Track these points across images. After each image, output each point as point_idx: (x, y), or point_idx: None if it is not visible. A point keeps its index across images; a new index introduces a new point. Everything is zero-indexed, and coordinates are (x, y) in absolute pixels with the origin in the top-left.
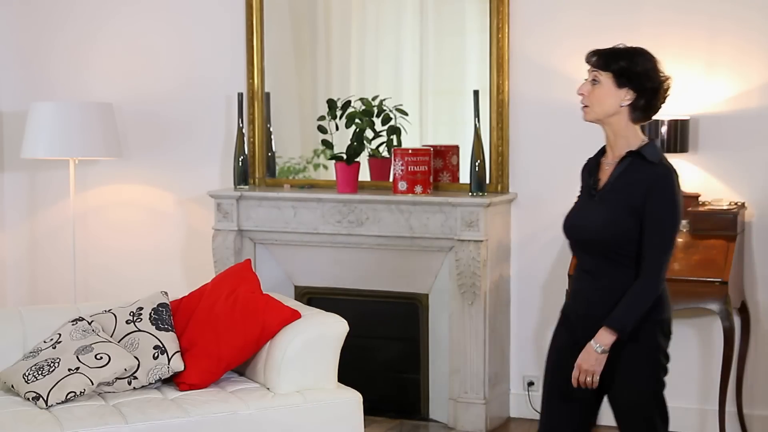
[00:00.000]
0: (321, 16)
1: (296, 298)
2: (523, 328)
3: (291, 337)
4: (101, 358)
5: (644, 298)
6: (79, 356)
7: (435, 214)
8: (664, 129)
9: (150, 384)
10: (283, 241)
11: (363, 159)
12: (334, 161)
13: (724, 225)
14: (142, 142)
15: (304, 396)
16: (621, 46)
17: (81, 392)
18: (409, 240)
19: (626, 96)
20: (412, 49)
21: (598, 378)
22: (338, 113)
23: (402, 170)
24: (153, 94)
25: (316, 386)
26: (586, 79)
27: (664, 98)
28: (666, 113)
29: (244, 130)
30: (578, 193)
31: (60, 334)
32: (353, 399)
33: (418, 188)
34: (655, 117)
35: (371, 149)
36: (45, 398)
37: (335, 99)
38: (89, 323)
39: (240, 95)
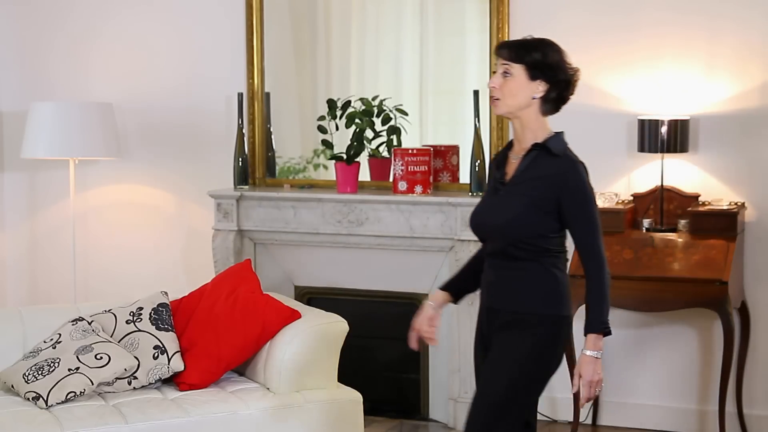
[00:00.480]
0: (321, 16)
1: (296, 298)
2: None
3: (291, 337)
4: (101, 358)
5: (605, 284)
6: (79, 356)
7: (435, 214)
8: (664, 129)
9: (150, 384)
10: (283, 241)
11: (363, 159)
12: (334, 161)
13: (724, 225)
14: (142, 142)
15: (304, 396)
16: (530, 37)
17: (81, 392)
18: (409, 240)
19: (538, 88)
20: (412, 49)
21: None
22: (338, 113)
23: (402, 170)
24: (153, 94)
25: (316, 386)
26: (494, 72)
27: (573, 90)
28: (666, 113)
29: (244, 130)
30: (486, 190)
31: (60, 334)
32: (353, 399)
33: (418, 188)
34: (655, 117)
35: (371, 149)
36: (45, 398)
37: (335, 99)
38: (89, 323)
39: (240, 95)
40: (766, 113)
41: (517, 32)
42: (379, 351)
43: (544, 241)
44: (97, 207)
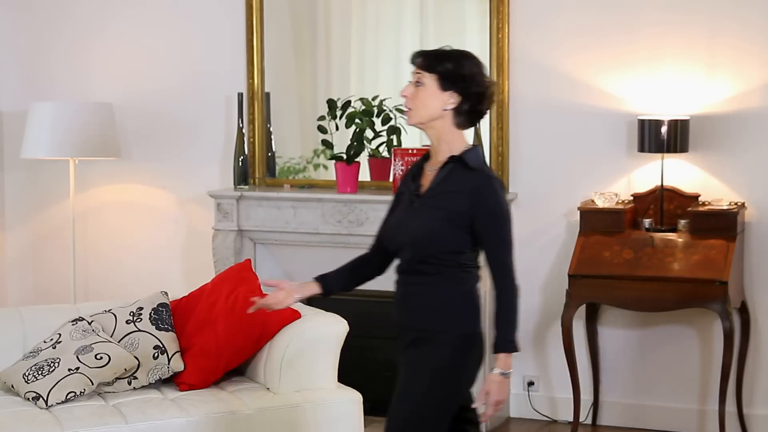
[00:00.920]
0: (321, 16)
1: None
2: (523, 328)
3: (291, 337)
4: (101, 358)
5: (513, 301)
6: (79, 356)
7: None
8: (664, 129)
9: (150, 384)
10: (283, 241)
11: (363, 159)
12: (334, 161)
13: (724, 225)
14: (142, 142)
15: (304, 396)
16: (447, 47)
17: (81, 392)
18: None
19: (450, 99)
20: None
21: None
22: (338, 113)
23: (402, 170)
24: (153, 94)
25: (316, 386)
26: (410, 81)
27: (490, 104)
28: (666, 113)
29: (244, 130)
30: (393, 200)
31: (60, 334)
32: (353, 399)
33: None
34: (655, 117)
35: (371, 149)
36: (45, 398)
37: (335, 99)
38: (89, 323)
39: (240, 95)
40: (766, 113)
41: (517, 32)
42: (379, 351)
43: (457, 256)
44: (97, 207)
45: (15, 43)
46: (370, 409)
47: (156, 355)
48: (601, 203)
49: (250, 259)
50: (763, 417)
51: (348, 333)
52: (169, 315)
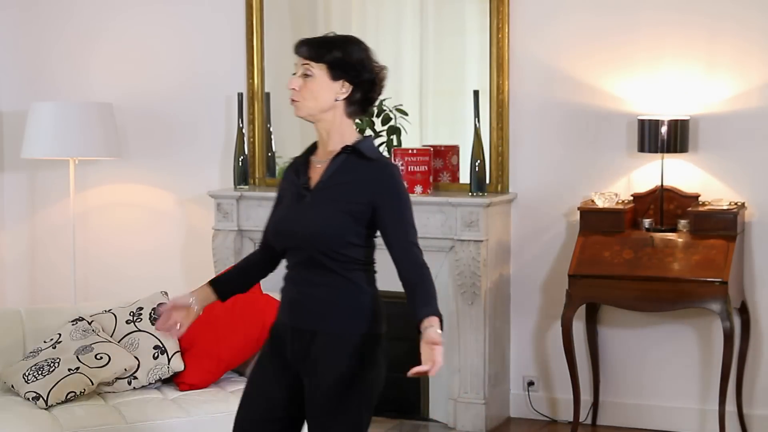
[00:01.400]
0: (321, 16)
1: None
2: (523, 328)
3: None
4: (101, 358)
5: (431, 280)
6: (79, 356)
7: (435, 214)
8: (664, 129)
9: (150, 384)
10: None
11: None
12: None
13: (724, 225)
14: (142, 142)
15: None
16: (332, 34)
17: (81, 392)
18: None
19: (342, 89)
20: (412, 49)
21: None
22: None
23: (402, 170)
24: (153, 94)
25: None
26: (294, 73)
27: (381, 90)
28: (666, 113)
29: (244, 130)
30: (277, 197)
31: (60, 334)
32: None
33: (418, 188)
34: (655, 117)
35: None
36: (45, 398)
37: None
38: (89, 323)
39: (240, 95)
40: (766, 113)
41: (517, 32)
42: None
43: (355, 252)
44: (97, 207)
45: (15, 43)
46: None
47: (156, 355)
48: (601, 203)
49: None
50: (763, 417)
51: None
52: None
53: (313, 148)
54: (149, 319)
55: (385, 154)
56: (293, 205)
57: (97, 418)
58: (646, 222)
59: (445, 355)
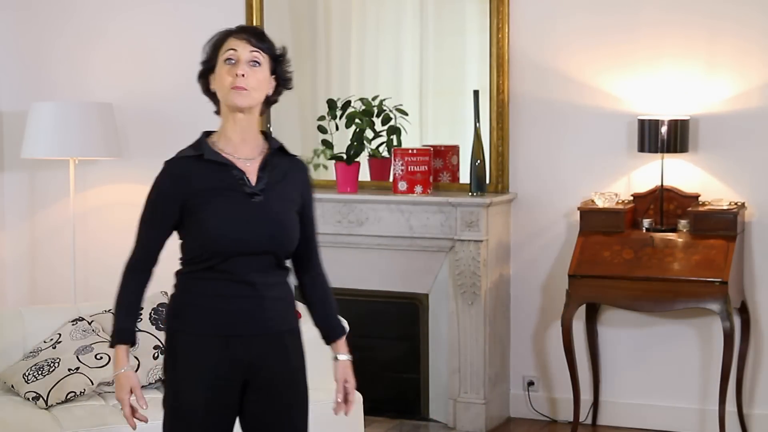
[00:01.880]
0: (321, 16)
1: (296, 298)
2: (523, 328)
3: None
4: (101, 358)
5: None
6: (79, 356)
7: (435, 214)
8: (664, 129)
9: (150, 384)
10: None
11: (363, 159)
12: (334, 161)
13: (724, 225)
14: (142, 142)
15: None
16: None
17: (81, 392)
18: (409, 240)
19: (271, 84)
20: (412, 49)
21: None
22: (338, 113)
23: (402, 170)
24: (153, 94)
25: (316, 386)
26: (230, 60)
27: (279, 95)
28: (666, 113)
29: None
30: (158, 205)
31: (60, 334)
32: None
33: (418, 188)
34: (655, 117)
35: (371, 149)
36: (45, 398)
37: (335, 99)
38: (89, 323)
39: None
40: (766, 113)
41: (517, 32)
42: (379, 351)
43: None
44: (97, 207)
45: (15, 43)
46: (370, 409)
47: (156, 355)
48: (601, 203)
49: None
50: (763, 417)
51: (348, 333)
52: None
53: (200, 145)
54: (149, 319)
55: (385, 154)
56: (241, 208)
57: (97, 418)
58: (646, 222)
59: (445, 355)
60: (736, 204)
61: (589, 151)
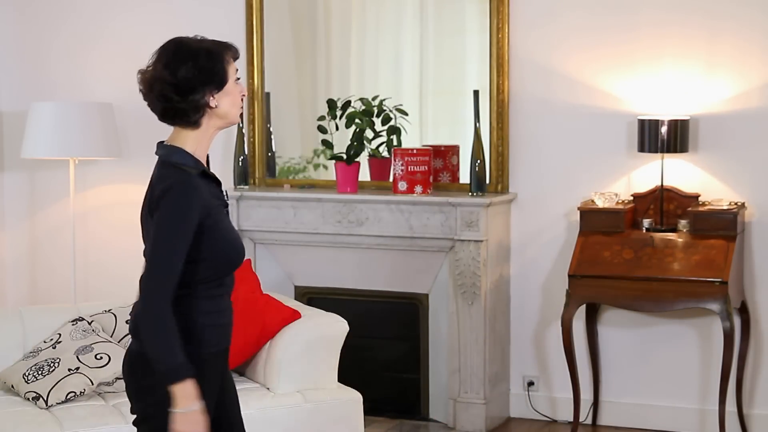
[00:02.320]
0: (321, 16)
1: (296, 298)
2: (523, 328)
3: (291, 337)
4: (101, 358)
5: None
6: (79, 356)
7: (435, 214)
8: (664, 129)
9: None
10: (283, 241)
11: (363, 159)
12: (334, 161)
13: (724, 225)
14: (142, 142)
15: (304, 396)
16: None
17: (81, 392)
18: (409, 240)
19: None
20: (412, 49)
21: None
22: (338, 113)
23: (402, 170)
24: None
25: (316, 386)
26: (238, 79)
27: None
28: (666, 113)
29: (244, 130)
30: (210, 215)
31: (60, 334)
32: (353, 399)
33: (418, 188)
34: (655, 117)
35: (371, 149)
36: (45, 398)
37: (335, 99)
38: (89, 323)
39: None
40: (766, 113)
41: (517, 32)
42: (379, 351)
43: None
44: (97, 207)
45: (15, 43)
46: (370, 409)
47: None
48: (601, 203)
49: (250, 259)
50: (763, 417)
51: (348, 333)
52: None
53: (194, 161)
54: None
55: (385, 154)
56: (229, 221)
57: (97, 418)
58: (646, 222)
59: (445, 355)
60: (736, 204)
61: (589, 151)
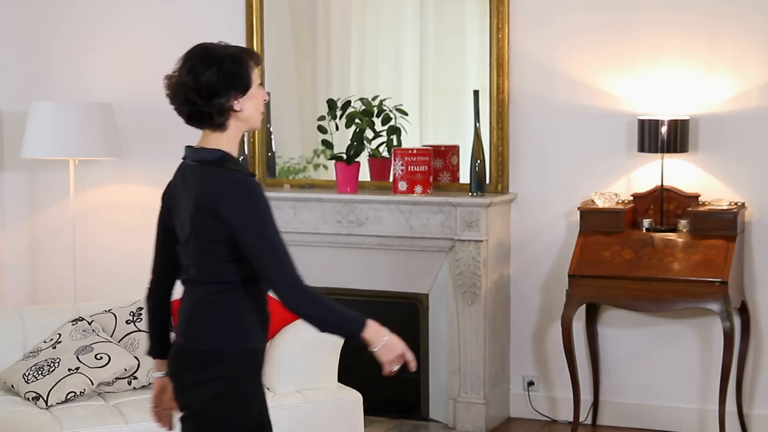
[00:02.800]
0: (321, 16)
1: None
2: (523, 328)
3: (291, 337)
4: (101, 358)
5: None
6: (79, 356)
7: (435, 214)
8: (664, 129)
9: (150, 384)
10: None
11: (363, 159)
12: (334, 161)
13: (724, 225)
14: (142, 142)
15: (304, 396)
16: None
17: (81, 392)
18: (409, 240)
19: None
20: (412, 49)
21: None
22: (338, 113)
23: (402, 170)
24: (153, 94)
25: (316, 386)
26: (261, 83)
27: None
28: (666, 113)
29: None
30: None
31: (60, 334)
32: (353, 399)
33: (418, 188)
34: (655, 117)
35: (371, 149)
36: (45, 398)
37: (335, 99)
38: (89, 323)
39: None
40: (766, 113)
41: (517, 32)
42: None
43: None
44: (97, 207)
45: (15, 43)
46: (370, 409)
47: None
48: (601, 203)
49: None
50: (763, 417)
51: None
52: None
53: (244, 163)
54: None
55: (385, 154)
56: None
57: (97, 418)
58: (646, 222)
59: (445, 355)
60: (736, 204)
61: (589, 151)
